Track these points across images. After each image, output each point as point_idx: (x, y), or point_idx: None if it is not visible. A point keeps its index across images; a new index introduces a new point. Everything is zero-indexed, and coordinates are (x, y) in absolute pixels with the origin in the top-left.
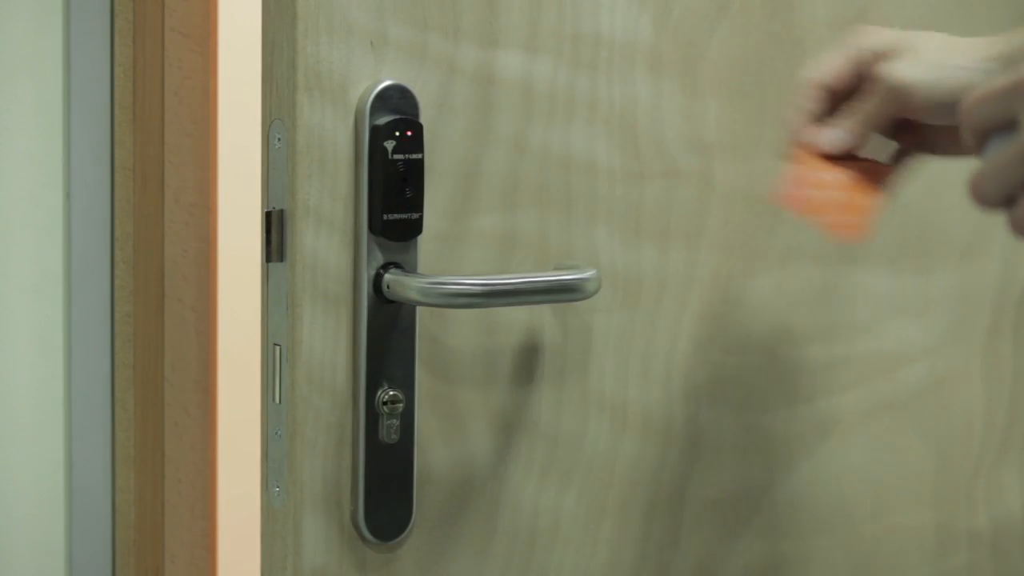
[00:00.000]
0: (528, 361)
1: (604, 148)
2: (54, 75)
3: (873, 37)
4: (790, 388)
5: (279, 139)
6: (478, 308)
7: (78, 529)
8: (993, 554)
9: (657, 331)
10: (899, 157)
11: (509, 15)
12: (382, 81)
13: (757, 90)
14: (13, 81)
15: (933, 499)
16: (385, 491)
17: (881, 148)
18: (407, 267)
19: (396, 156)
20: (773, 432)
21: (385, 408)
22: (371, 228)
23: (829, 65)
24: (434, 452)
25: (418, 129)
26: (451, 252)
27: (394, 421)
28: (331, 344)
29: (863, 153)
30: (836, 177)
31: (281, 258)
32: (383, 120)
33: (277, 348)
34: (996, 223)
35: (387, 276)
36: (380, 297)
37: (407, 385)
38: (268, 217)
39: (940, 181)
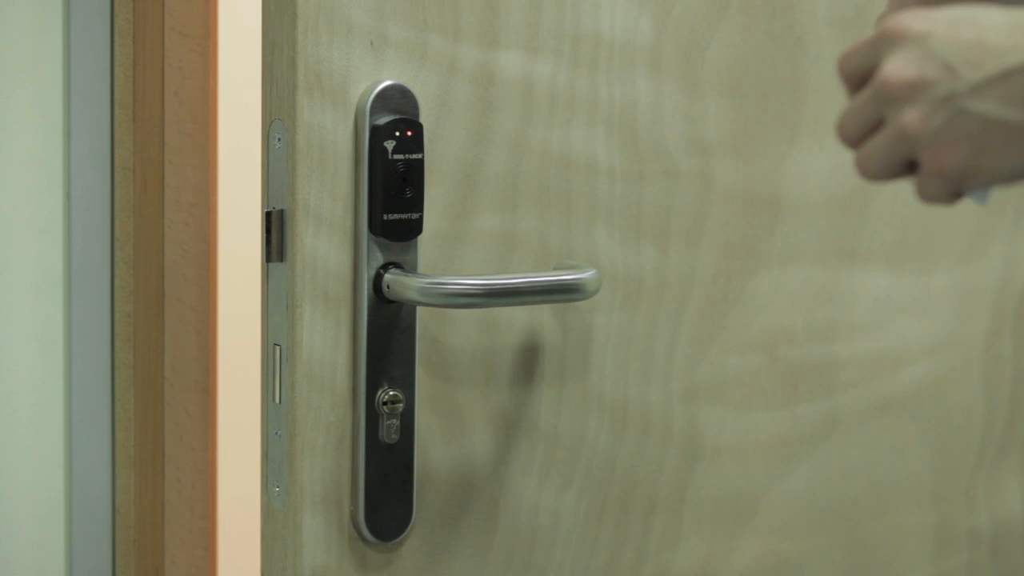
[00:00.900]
0: (528, 361)
1: (604, 148)
2: (54, 75)
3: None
4: (790, 388)
5: (279, 139)
6: (478, 308)
7: (78, 529)
8: (993, 554)
9: (657, 331)
10: None
11: (509, 15)
12: (382, 81)
13: (757, 90)
14: (13, 81)
15: (933, 499)
16: (385, 491)
17: None
18: (407, 267)
19: (396, 156)
20: (773, 432)
21: (385, 408)
22: (371, 228)
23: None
24: (434, 452)
25: (418, 129)
26: (451, 252)
27: (394, 421)
28: (331, 344)
29: None
30: None
31: (281, 258)
32: (383, 120)
33: (277, 348)
34: (996, 224)
35: (387, 276)
36: (380, 297)
37: (407, 385)
38: (268, 217)
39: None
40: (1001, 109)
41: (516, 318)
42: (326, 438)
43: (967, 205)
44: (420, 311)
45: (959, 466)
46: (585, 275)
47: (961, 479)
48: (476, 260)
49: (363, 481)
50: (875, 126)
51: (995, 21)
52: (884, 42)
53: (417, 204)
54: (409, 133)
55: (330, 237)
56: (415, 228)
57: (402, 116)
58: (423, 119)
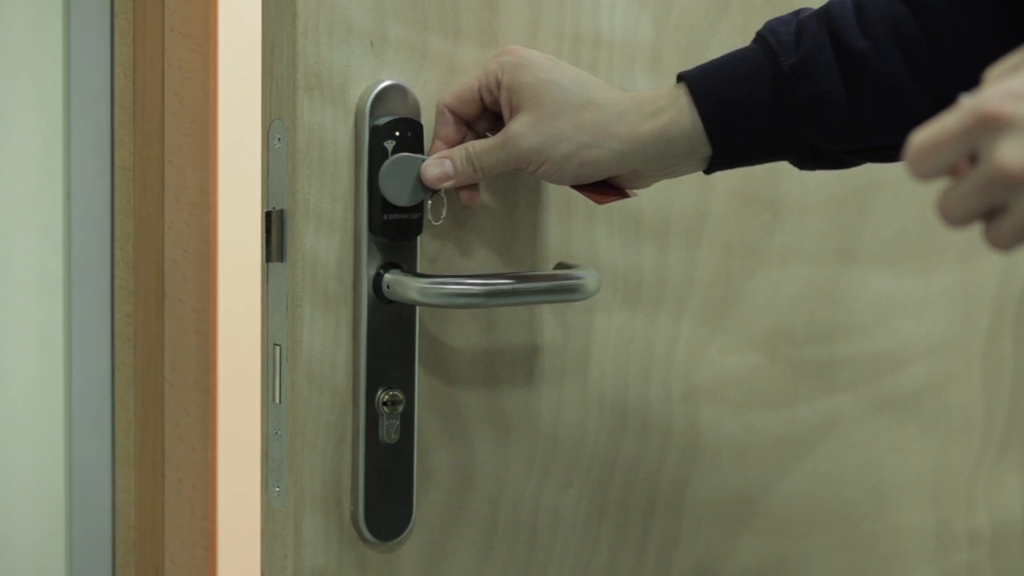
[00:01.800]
0: (528, 361)
1: None
2: (54, 75)
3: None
4: (790, 388)
5: (279, 139)
6: (478, 308)
7: (78, 529)
8: (993, 554)
9: (657, 331)
10: None
11: (509, 15)
12: (382, 81)
13: None
14: (13, 81)
15: (933, 499)
16: (385, 491)
17: None
18: (407, 267)
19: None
20: (773, 432)
21: (385, 408)
22: (371, 228)
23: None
24: (434, 452)
25: (418, 129)
26: (451, 252)
27: (394, 421)
28: (331, 344)
29: None
30: None
31: (281, 258)
32: (383, 120)
33: (277, 348)
34: None
35: (387, 276)
36: (380, 297)
37: (407, 385)
38: (268, 217)
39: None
40: None
41: (516, 318)
42: (326, 438)
43: None
44: (420, 311)
45: (959, 466)
46: (585, 275)
47: (961, 479)
48: (476, 260)
49: (363, 481)
50: (991, 210)
51: None
52: (984, 130)
53: (417, 204)
54: (409, 133)
55: (330, 237)
56: (415, 228)
57: (402, 116)
58: (423, 119)
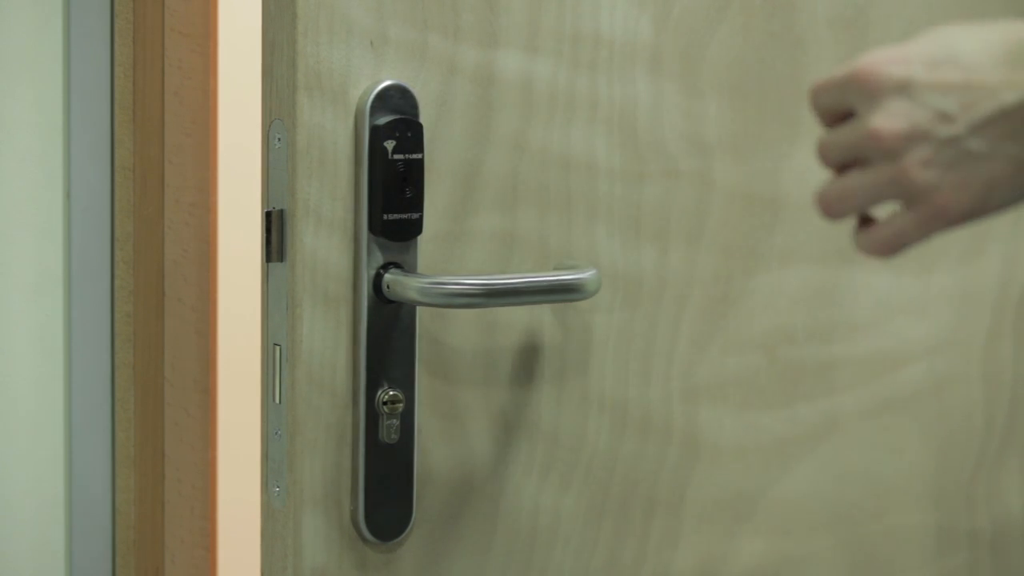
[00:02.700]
0: (528, 361)
1: (604, 148)
2: (54, 75)
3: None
4: (790, 388)
5: (279, 139)
6: (478, 308)
7: (78, 529)
8: (993, 554)
9: (657, 331)
10: None
11: (509, 15)
12: (382, 81)
13: (757, 90)
14: (13, 81)
15: (933, 499)
16: (385, 491)
17: None
18: (407, 267)
19: (396, 156)
20: (773, 432)
21: (385, 408)
22: (371, 228)
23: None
24: (434, 452)
25: (418, 129)
26: (451, 252)
27: (394, 421)
28: (331, 344)
29: None
30: None
31: (281, 258)
32: (383, 120)
33: (277, 348)
34: (996, 224)
35: (387, 276)
36: (380, 297)
37: (407, 385)
38: (268, 217)
39: None
40: (1004, 146)
41: (516, 318)
42: (326, 438)
43: None
44: (420, 311)
45: (959, 466)
46: (585, 275)
47: (961, 479)
48: (476, 260)
49: (363, 481)
50: (851, 165)
51: (978, 56)
52: (856, 88)
53: (417, 204)
54: (409, 133)
55: (330, 237)
56: (415, 228)
57: (402, 116)
58: (423, 119)
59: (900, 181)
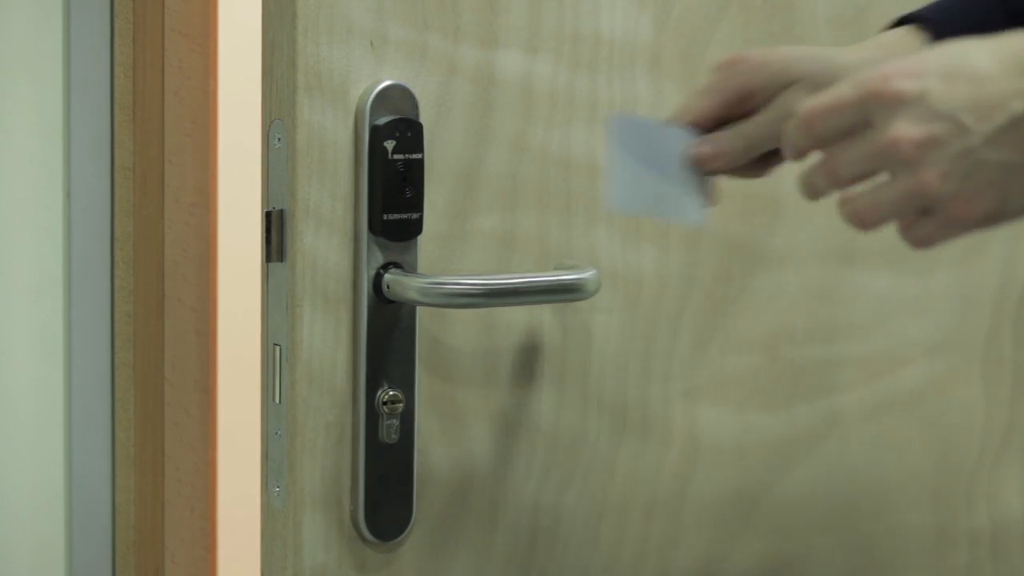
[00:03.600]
0: (528, 361)
1: (604, 148)
2: (54, 75)
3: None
4: (790, 388)
5: (279, 139)
6: (478, 308)
7: (78, 529)
8: (993, 554)
9: (657, 331)
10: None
11: (509, 15)
12: (382, 81)
13: None
14: (13, 81)
15: (933, 499)
16: (385, 491)
17: None
18: (407, 267)
19: (396, 156)
20: (773, 432)
21: (385, 408)
22: (371, 228)
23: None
24: (434, 452)
25: (418, 129)
26: (451, 252)
27: (394, 421)
28: (331, 344)
29: None
30: None
31: (281, 258)
32: (383, 120)
33: (277, 348)
34: None
35: (387, 276)
36: (380, 297)
37: (407, 385)
38: (268, 217)
39: None
40: (1018, 154)
41: (516, 318)
42: (326, 438)
43: None
44: (420, 311)
45: (959, 466)
46: (585, 275)
47: (961, 479)
48: (476, 260)
49: (363, 481)
50: (869, 175)
51: (989, 66)
52: (875, 102)
53: (417, 204)
54: (409, 133)
55: (330, 237)
56: (415, 228)
57: (402, 116)
58: (423, 119)
59: (920, 191)
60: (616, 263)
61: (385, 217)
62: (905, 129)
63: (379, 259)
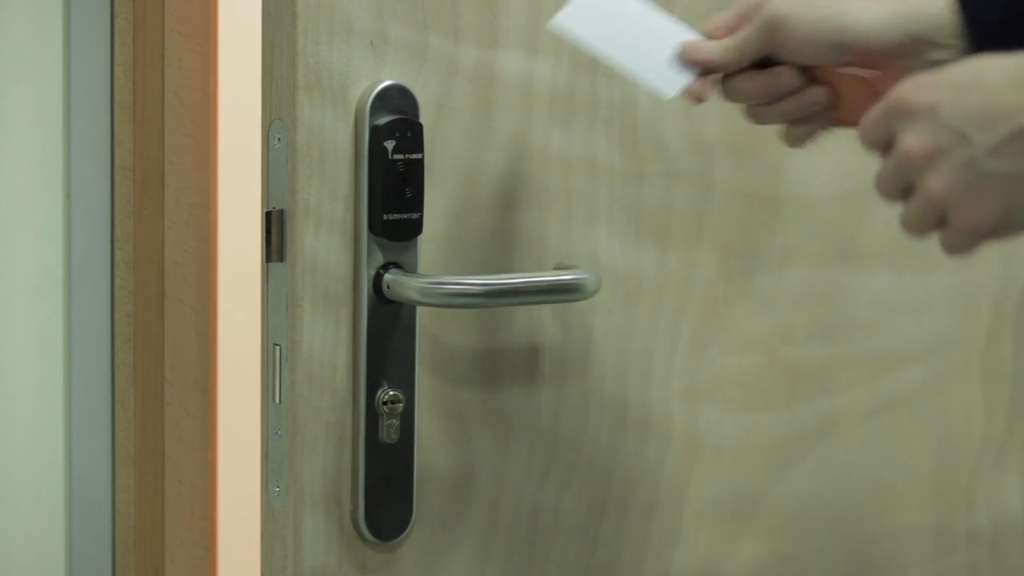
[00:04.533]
0: (528, 361)
1: (604, 148)
2: (54, 75)
3: None
4: (790, 388)
5: (279, 139)
6: (478, 308)
7: (78, 529)
8: (993, 554)
9: (657, 331)
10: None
11: (509, 15)
12: (382, 81)
13: None
14: (13, 81)
15: (933, 499)
16: (385, 491)
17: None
18: (407, 267)
19: (396, 156)
20: (773, 432)
21: (385, 408)
22: (371, 228)
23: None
24: (434, 452)
25: (418, 129)
26: (451, 252)
27: (394, 421)
28: (331, 344)
29: None
30: None
31: (281, 258)
32: (383, 120)
33: (277, 348)
34: None
35: (387, 276)
36: (380, 297)
37: (407, 385)
38: (268, 217)
39: None
40: (1021, 166)
41: (516, 318)
42: (326, 438)
43: None
44: (420, 311)
45: (959, 466)
46: (585, 275)
47: (961, 479)
48: (476, 260)
49: (363, 481)
50: (908, 190)
51: (998, 80)
52: (894, 115)
53: (417, 204)
54: (409, 133)
55: (330, 237)
56: (415, 228)
57: (402, 116)
58: (423, 119)
59: (930, 201)
60: (616, 263)
61: (385, 217)
62: (912, 141)
63: (379, 259)
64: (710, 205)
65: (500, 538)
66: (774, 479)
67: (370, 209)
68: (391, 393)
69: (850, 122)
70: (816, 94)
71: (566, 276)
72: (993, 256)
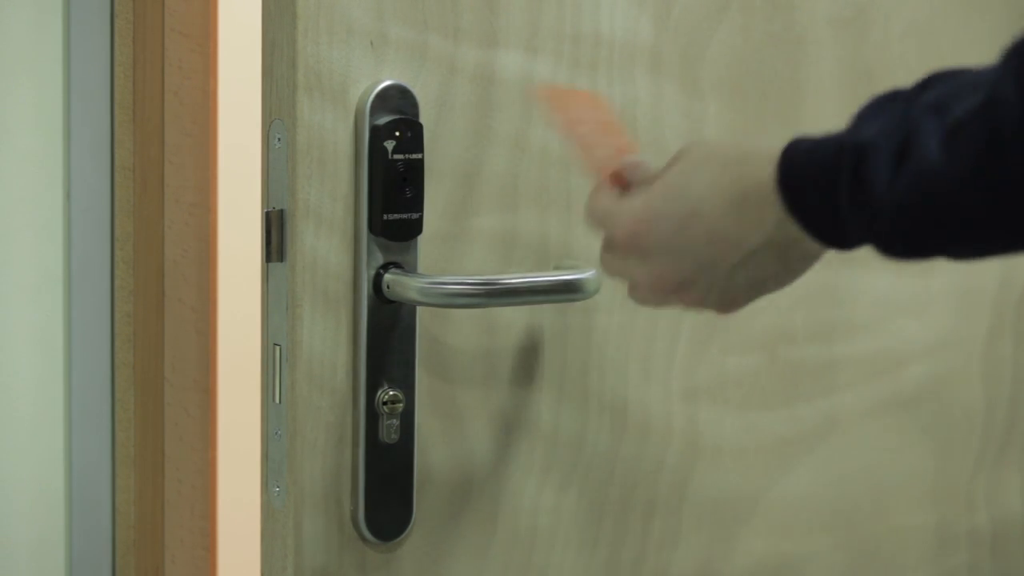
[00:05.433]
0: (528, 361)
1: None
2: (54, 75)
3: None
4: (790, 388)
5: (279, 139)
6: (478, 308)
7: (78, 529)
8: (993, 554)
9: (657, 331)
10: None
11: (509, 15)
12: (382, 81)
13: (757, 90)
14: (13, 81)
15: (933, 499)
16: (385, 491)
17: None
18: (407, 267)
19: (396, 156)
20: (773, 432)
21: (385, 408)
22: (371, 228)
23: None
24: (434, 452)
25: (418, 129)
26: (451, 252)
27: (394, 421)
28: (331, 344)
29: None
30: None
31: (281, 258)
32: (383, 120)
33: (277, 348)
34: None
35: (387, 276)
36: (380, 297)
37: (407, 385)
38: (268, 217)
39: None
40: (763, 267)
41: (516, 318)
42: (326, 438)
43: None
44: (420, 311)
45: (959, 466)
46: (585, 275)
47: (961, 479)
48: (476, 260)
49: (363, 481)
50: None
51: (712, 206)
52: (628, 253)
53: (417, 204)
54: (409, 133)
55: (330, 237)
56: (415, 228)
57: (402, 116)
58: (423, 119)
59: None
60: None
61: (385, 217)
62: (655, 280)
63: (379, 259)
64: None
65: (500, 538)
66: (774, 479)
67: (370, 209)
68: (391, 393)
69: None
70: None
71: (566, 276)
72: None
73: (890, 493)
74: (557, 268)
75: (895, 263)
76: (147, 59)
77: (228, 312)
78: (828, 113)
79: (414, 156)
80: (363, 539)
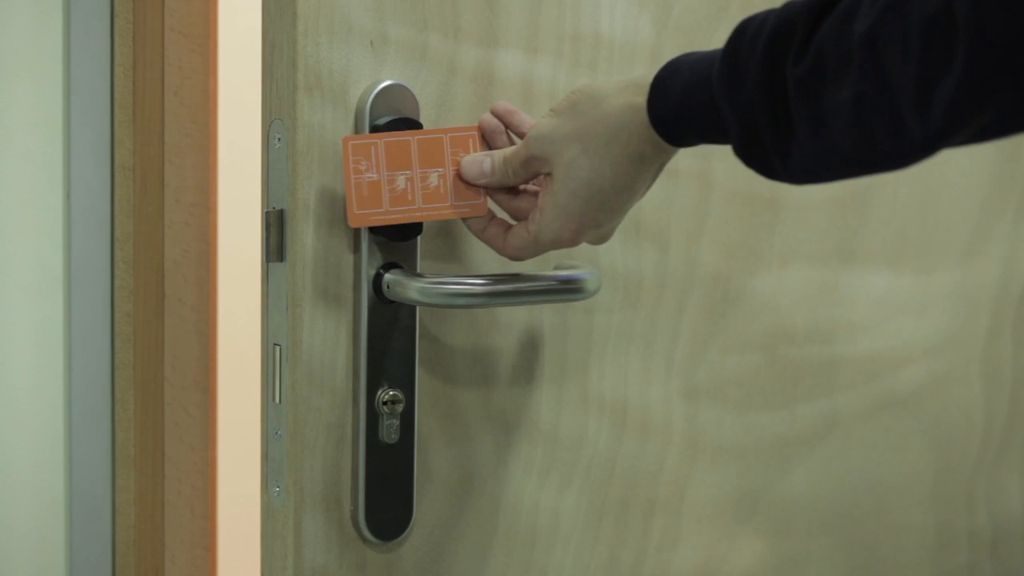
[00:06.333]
0: (528, 361)
1: None
2: (54, 75)
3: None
4: (790, 388)
5: (279, 139)
6: (478, 308)
7: (78, 529)
8: (993, 554)
9: (657, 331)
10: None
11: (509, 15)
12: (382, 81)
13: None
14: (13, 81)
15: (933, 499)
16: (385, 491)
17: None
18: (407, 267)
19: None
20: (773, 432)
21: (385, 408)
22: (371, 228)
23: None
24: (434, 452)
25: (418, 129)
26: (451, 253)
27: (394, 421)
28: (331, 344)
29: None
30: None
31: (281, 258)
32: (383, 120)
33: (277, 348)
34: (996, 224)
35: (387, 276)
36: (380, 297)
37: (407, 385)
38: (268, 217)
39: (939, 181)
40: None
41: (516, 318)
42: (326, 438)
43: (967, 205)
44: (420, 311)
45: (959, 466)
46: (585, 275)
47: (961, 479)
48: (476, 260)
49: (363, 481)
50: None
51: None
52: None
53: None
54: None
55: (330, 237)
56: (415, 228)
57: (402, 116)
58: (423, 119)
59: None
60: (616, 263)
61: None
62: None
63: (379, 259)
64: (710, 205)
65: (500, 538)
66: (774, 479)
67: None
68: (391, 393)
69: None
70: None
71: (566, 276)
72: (993, 256)
73: (890, 493)
74: (557, 268)
75: (894, 263)
76: (147, 59)
77: (228, 312)
78: None
79: None
80: (363, 539)
